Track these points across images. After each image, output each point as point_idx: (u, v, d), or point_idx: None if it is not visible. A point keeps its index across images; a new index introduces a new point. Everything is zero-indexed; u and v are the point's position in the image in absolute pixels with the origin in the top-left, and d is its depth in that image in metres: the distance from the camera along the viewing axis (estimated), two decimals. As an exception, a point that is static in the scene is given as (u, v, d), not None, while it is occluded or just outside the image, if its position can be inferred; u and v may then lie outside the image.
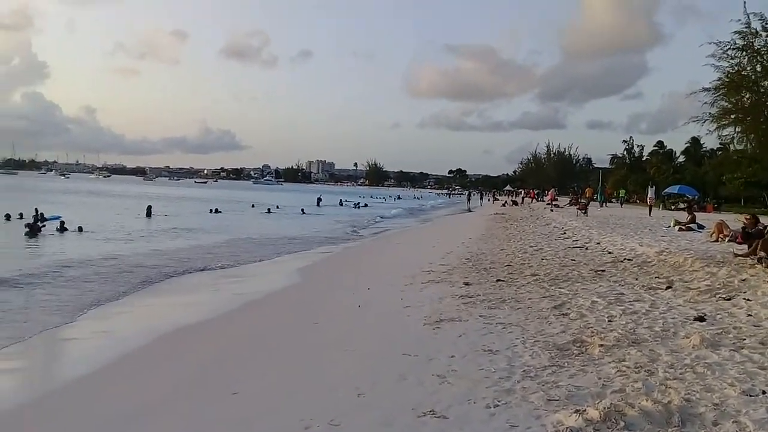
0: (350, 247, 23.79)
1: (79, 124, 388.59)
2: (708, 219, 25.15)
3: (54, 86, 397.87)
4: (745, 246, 13.09)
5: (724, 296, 8.93)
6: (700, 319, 7.57)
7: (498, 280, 11.60)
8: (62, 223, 25.24)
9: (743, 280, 9.99)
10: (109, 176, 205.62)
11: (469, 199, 70.00)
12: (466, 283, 11.32)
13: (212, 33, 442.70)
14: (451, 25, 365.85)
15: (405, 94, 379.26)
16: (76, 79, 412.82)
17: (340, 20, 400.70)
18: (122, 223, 31.48)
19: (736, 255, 12.61)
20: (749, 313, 7.79)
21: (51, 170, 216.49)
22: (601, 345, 6.53)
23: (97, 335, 9.26)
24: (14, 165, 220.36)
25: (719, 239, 16.74)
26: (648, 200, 37.77)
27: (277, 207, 51.86)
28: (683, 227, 21.48)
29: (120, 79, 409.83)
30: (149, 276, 14.69)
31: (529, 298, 9.60)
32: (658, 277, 11.11)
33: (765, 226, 14.08)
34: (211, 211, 44.59)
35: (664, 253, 13.80)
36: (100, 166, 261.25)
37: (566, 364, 6.00)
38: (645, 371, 5.60)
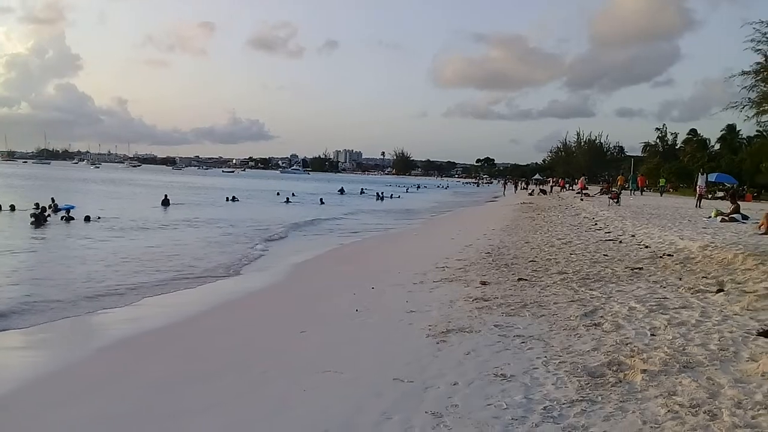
0: (360, 239, 22.39)
1: (111, 115, 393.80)
2: (748, 209, 23.36)
3: (86, 78, 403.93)
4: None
5: (789, 303, 7.45)
6: (766, 334, 6.13)
7: (520, 279, 10.22)
8: (68, 212, 24.52)
9: (809, 282, 8.49)
10: (138, 166, 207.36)
11: (505, 187, 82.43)
12: (483, 283, 9.97)
13: (239, 24, 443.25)
14: (478, 14, 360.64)
15: (432, 84, 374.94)
16: (107, 70, 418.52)
17: (365, 10, 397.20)
18: (136, 212, 30.63)
19: (794, 251, 11.06)
20: (827, 326, 6.34)
21: (83, 160, 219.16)
22: (644, 370, 5.17)
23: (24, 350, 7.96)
24: (47, 155, 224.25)
25: (769, 231, 15.11)
26: (698, 189, 32.56)
27: (293, 195, 50.90)
28: (726, 218, 19.76)
29: (150, 70, 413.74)
30: (116, 279, 12.51)
31: (555, 303, 8.23)
32: (705, 277, 9.62)
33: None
34: (227, 199, 43.83)
35: (709, 248, 12.25)
36: (131, 156, 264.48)
37: (600, 398, 4.66)
38: (705, 413, 4.24)
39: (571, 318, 7.28)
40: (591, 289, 9.08)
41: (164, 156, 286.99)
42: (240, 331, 8.21)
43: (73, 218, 23.87)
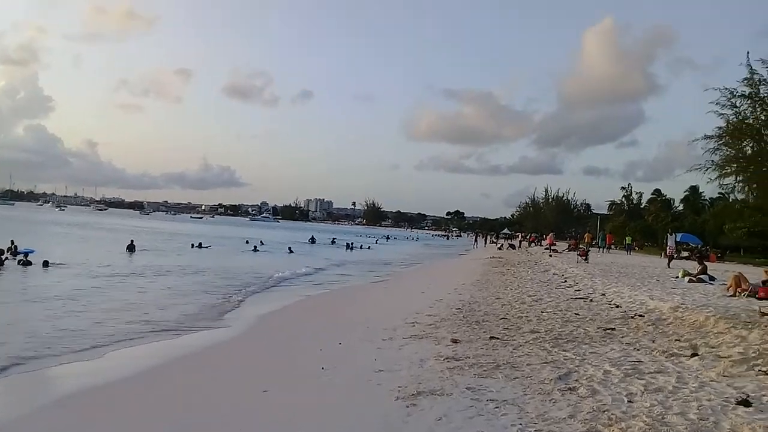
0: (328, 290, 21.93)
1: (80, 157, 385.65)
2: (714, 269, 23.63)
3: (58, 120, 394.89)
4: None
5: (764, 370, 7.32)
6: (745, 403, 5.96)
7: (492, 338, 9.98)
8: (26, 255, 23.64)
9: (782, 347, 8.41)
10: (105, 209, 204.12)
11: (476, 240, 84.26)
12: (454, 341, 9.70)
13: (215, 72, 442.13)
14: (449, 71, 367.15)
15: (404, 136, 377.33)
16: (79, 113, 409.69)
17: (339, 62, 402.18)
18: (99, 258, 29.74)
19: (763, 314, 11.06)
20: (805, 395, 6.20)
21: (48, 202, 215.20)
22: (624, 441, 4.94)
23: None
24: (12, 196, 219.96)
25: (737, 293, 15.21)
26: (668, 249, 32.58)
27: (262, 243, 50.19)
28: (693, 279, 19.92)
29: (123, 114, 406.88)
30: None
31: (528, 364, 7.98)
32: (678, 340, 9.51)
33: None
34: (192, 245, 42.99)
35: (680, 309, 12.21)
36: (98, 199, 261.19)
37: (579, 473, 4.40)
38: (691, 492, 4.01)
39: (546, 381, 7.04)
40: (564, 350, 8.88)
41: (132, 200, 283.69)
42: (199, 388, 7.72)
43: (31, 263, 22.99)
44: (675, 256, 31.44)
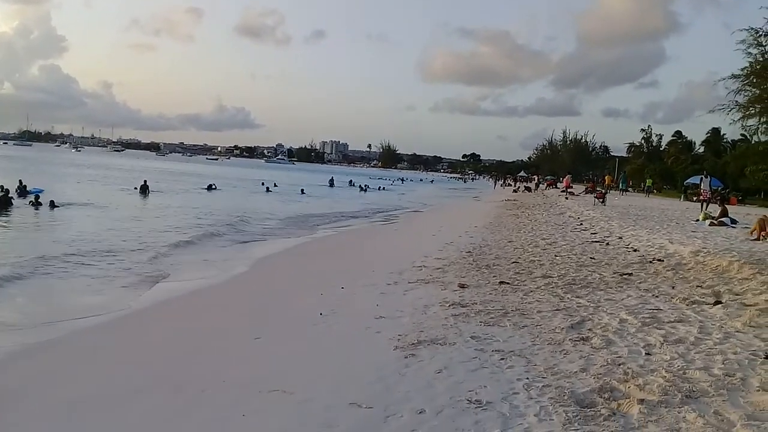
0: (335, 233, 21.51)
1: (96, 98, 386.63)
2: (735, 212, 22.83)
3: (72, 60, 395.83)
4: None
5: (795, 319, 6.78)
6: (775, 356, 5.45)
7: (501, 282, 9.49)
8: (37, 197, 23.37)
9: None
10: (122, 150, 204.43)
11: (495, 183, 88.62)
12: (462, 286, 9.23)
13: (227, 11, 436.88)
14: (465, 8, 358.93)
15: (419, 77, 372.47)
16: (93, 53, 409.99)
17: (351, 1, 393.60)
18: (110, 198, 29.55)
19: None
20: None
21: (65, 143, 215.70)
22: (642, 400, 4.45)
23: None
24: (29, 137, 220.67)
25: (761, 237, 14.56)
26: (702, 193, 29.21)
27: (275, 185, 49.83)
28: (714, 222, 19.24)
29: (136, 54, 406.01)
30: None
31: (539, 311, 7.49)
32: (699, 286, 8.97)
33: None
34: (209, 188, 42.61)
35: (701, 254, 11.63)
36: (115, 140, 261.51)
37: (590, 436, 3.93)
38: (717, 461, 3.53)
39: (557, 330, 6.56)
40: (578, 296, 8.38)
41: (148, 141, 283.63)
42: (186, 335, 7.35)
43: (41, 204, 22.74)
44: (707, 200, 28.65)
